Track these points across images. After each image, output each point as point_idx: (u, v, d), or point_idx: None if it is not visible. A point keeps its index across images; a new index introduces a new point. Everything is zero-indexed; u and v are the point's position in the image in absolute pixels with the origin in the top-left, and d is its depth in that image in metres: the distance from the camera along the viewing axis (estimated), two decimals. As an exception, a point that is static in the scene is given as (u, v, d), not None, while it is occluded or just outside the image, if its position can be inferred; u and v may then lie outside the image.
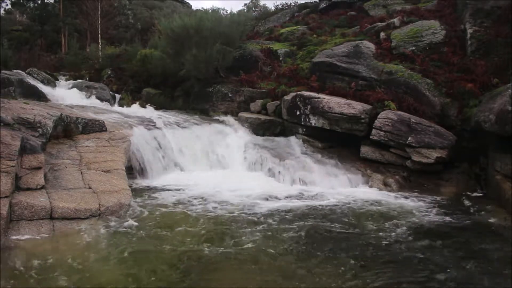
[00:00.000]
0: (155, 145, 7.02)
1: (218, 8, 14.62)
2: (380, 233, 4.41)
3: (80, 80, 12.44)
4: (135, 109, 9.87)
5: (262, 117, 8.86)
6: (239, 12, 15.84)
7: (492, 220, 5.02)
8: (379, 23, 10.38)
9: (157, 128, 7.58)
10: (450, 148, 6.70)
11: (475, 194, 6.28)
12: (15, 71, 10.98)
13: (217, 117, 9.46)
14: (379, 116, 7.20)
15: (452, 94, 7.59)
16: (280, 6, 18.72)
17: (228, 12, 14.76)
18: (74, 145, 6.01)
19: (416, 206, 5.58)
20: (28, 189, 4.34)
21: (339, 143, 7.84)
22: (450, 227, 4.72)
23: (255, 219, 4.75)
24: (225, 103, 10.01)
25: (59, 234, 3.95)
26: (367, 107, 7.56)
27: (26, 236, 3.83)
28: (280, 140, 8.23)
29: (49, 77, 11.83)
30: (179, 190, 5.97)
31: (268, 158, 7.23)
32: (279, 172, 6.87)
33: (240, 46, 11.40)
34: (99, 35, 19.03)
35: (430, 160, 6.59)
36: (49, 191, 4.44)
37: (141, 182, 6.30)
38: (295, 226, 4.55)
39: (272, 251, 3.85)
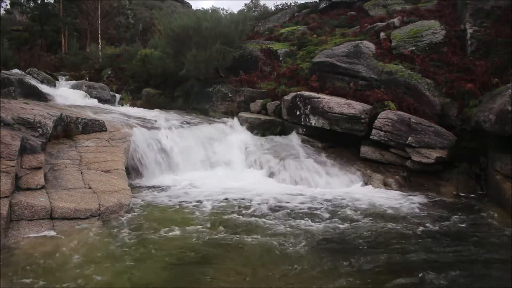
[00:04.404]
0: (155, 145, 7.02)
1: (218, 8, 14.63)
2: (379, 232, 4.42)
3: (80, 80, 12.45)
4: (135, 109, 9.87)
5: (262, 117, 8.87)
6: (239, 11, 15.85)
7: (492, 220, 5.02)
8: (379, 23, 10.39)
9: (157, 128, 7.58)
10: (450, 148, 6.70)
11: (475, 194, 6.28)
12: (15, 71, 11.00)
13: (217, 117, 9.47)
14: (379, 116, 7.20)
15: (452, 94, 7.59)
16: (280, 6, 18.77)
17: (228, 12, 14.77)
18: (74, 145, 6.01)
19: (416, 206, 5.58)
20: (28, 189, 4.34)
21: (339, 143, 7.84)
22: (449, 227, 4.72)
23: (256, 219, 4.75)
24: (225, 103, 10.02)
25: (59, 234, 3.94)
26: (367, 107, 7.56)
27: (26, 236, 3.83)
28: (280, 140, 8.23)
29: (49, 77, 11.84)
30: (179, 189, 5.97)
31: (268, 158, 7.24)
32: (279, 172, 6.88)
33: (240, 46, 11.41)
34: (99, 35, 19.06)
35: (430, 160, 6.59)
36: (49, 191, 4.44)
37: (141, 182, 6.30)
38: (294, 226, 4.55)
39: (269, 250, 3.85)
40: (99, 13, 19.57)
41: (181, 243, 3.91)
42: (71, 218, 4.18)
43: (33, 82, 10.47)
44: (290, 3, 18.79)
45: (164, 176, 6.66)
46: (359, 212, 5.19)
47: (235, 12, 14.97)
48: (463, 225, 4.79)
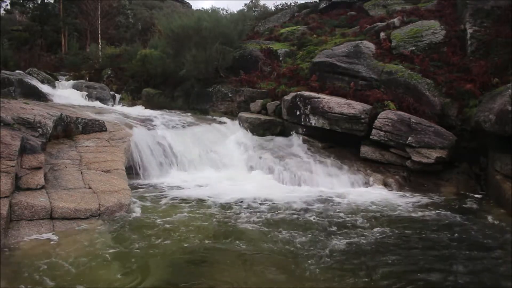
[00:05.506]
0: (155, 145, 7.02)
1: (218, 8, 14.62)
2: (377, 232, 4.42)
3: (80, 80, 12.47)
4: (135, 109, 9.87)
5: (262, 117, 8.86)
6: (239, 12, 15.85)
7: (492, 220, 5.02)
8: (379, 23, 10.38)
9: (157, 128, 7.58)
10: (450, 148, 6.70)
11: (475, 194, 6.28)
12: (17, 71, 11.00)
13: (217, 117, 9.47)
14: (379, 116, 7.20)
15: (452, 94, 7.59)
16: (280, 6, 18.74)
17: (228, 12, 14.76)
18: (74, 145, 6.01)
19: (416, 206, 5.58)
20: (28, 189, 4.34)
21: (339, 143, 7.84)
22: (449, 227, 4.72)
23: (257, 222, 4.74)
24: (225, 103, 10.02)
25: (59, 234, 3.94)
26: (367, 107, 7.56)
27: (26, 236, 3.83)
28: (280, 140, 8.23)
29: (49, 77, 11.85)
30: (178, 189, 5.97)
31: (268, 158, 7.23)
32: (279, 172, 6.87)
33: (240, 46, 11.42)
34: (99, 35, 19.07)
35: (430, 160, 6.59)
36: (49, 191, 4.44)
37: (141, 182, 6.30)
38: (294, 226, 4.55)
39: (267, 249, 3.85)
40: (99, 13, 19.58)
41: (181, 245, 3.91)
42: (71, 218, 4.18)
43: (33, 82, 10.48)
44: (290, 3, 18.77)
45: (164, 176, 6.66)
46: (360, 213, 5.19)
47: (235, 12, 14.97)
48: (462, 225, 4.79)
